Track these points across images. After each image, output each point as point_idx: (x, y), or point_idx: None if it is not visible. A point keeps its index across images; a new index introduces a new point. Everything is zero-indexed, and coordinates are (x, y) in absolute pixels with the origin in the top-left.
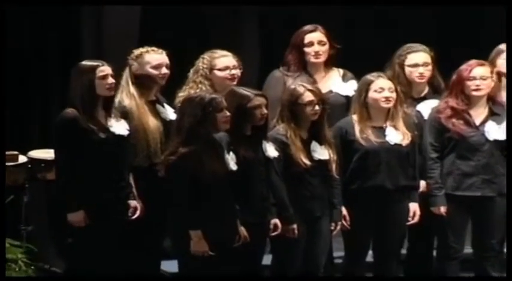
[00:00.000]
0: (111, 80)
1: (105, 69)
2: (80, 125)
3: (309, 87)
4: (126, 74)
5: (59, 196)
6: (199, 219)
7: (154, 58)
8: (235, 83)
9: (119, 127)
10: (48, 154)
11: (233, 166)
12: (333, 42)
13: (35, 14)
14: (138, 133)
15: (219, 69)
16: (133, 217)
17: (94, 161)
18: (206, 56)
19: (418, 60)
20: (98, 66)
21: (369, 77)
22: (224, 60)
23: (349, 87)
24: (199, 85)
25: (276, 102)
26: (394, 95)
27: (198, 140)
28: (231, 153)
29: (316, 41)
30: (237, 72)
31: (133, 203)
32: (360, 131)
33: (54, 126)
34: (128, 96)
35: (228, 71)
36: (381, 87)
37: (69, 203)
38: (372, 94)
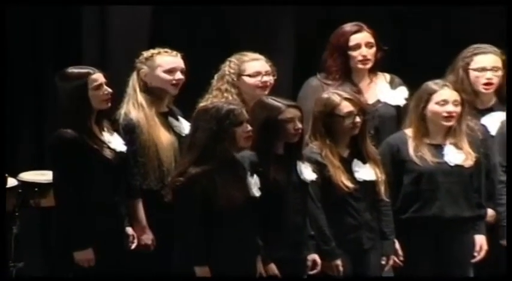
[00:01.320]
0: (106, 89)
1: (98, 77)
2: (81, 145)
3: (346, 95)
4: (133, 80)
5: (61, 230)
6: (207, 253)
7: (167, 61)
8: (267, 92)
9: (116, 142)
10: (42, 176)
11: (256, 192)
12: (380, 44)
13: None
14: (148, 150)
15: (249, 75)
16: (133, 247)
17: (102, 186)
18: (234, 60)
19: (486, 63)
20: (88, 74)
21: (432, 85)
22: (255, 65)
23: (399, 96)
24: (225, 93)
25: None
26: (458, 109)
27: (213, 159)
28: (255, 176)
29: (363, 43)
30: (270, 79)
31: (130, 230)
32: (415, 149)
33: (50, 150)
34: (135, 106)
35: (259, 78)
36: (445, 99)
37: (75, 239)
38: (432, 106)
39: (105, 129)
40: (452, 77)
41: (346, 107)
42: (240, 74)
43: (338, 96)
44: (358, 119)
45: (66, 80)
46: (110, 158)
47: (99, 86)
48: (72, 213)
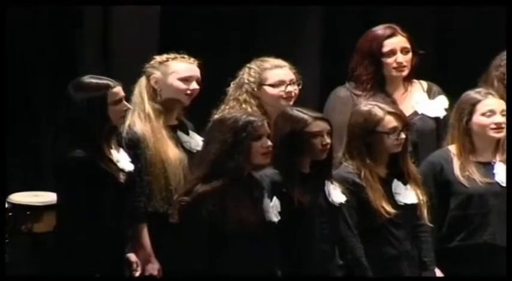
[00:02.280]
0: (125, 105)
1: (118, 91)
2: (92, 167)
3: (389, 109)
4: (140, 86)
5: (63, 260)
6: None
7: (184, 68)
8: (291, 102)
9: (124, 161)
10: (36, 197)
11: (274, 216)
12: (416, 49)
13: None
14: (155, 167)
15: (271, 85)
16: (136, 275)
17: (113, 211)
18: (254, 67)
19: None
20: (108, 86)
21: (474, 94)
22: (278, 73)
23: (438, 106)
24: (243, 105)
25: (343, 130)
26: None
27: (224, 175)
28: (275, 198)
29: (398, 48)
30: (295, 88)
31: (132, 257)
32: (461, 168)
33: (58, 172)
34: (140, 117)
35: (282, 88)
36: (491, 109)
37: (84, 272)
38: (477, 118)
39: (113, 146)
40: (487, 88)
41: (391, 122)
42: (261, 83)
43: (380, 109)
44: (402, 135)
45: (82, 91)
46: (121, 180)
47: (119, 100)
48: (81, 241)
